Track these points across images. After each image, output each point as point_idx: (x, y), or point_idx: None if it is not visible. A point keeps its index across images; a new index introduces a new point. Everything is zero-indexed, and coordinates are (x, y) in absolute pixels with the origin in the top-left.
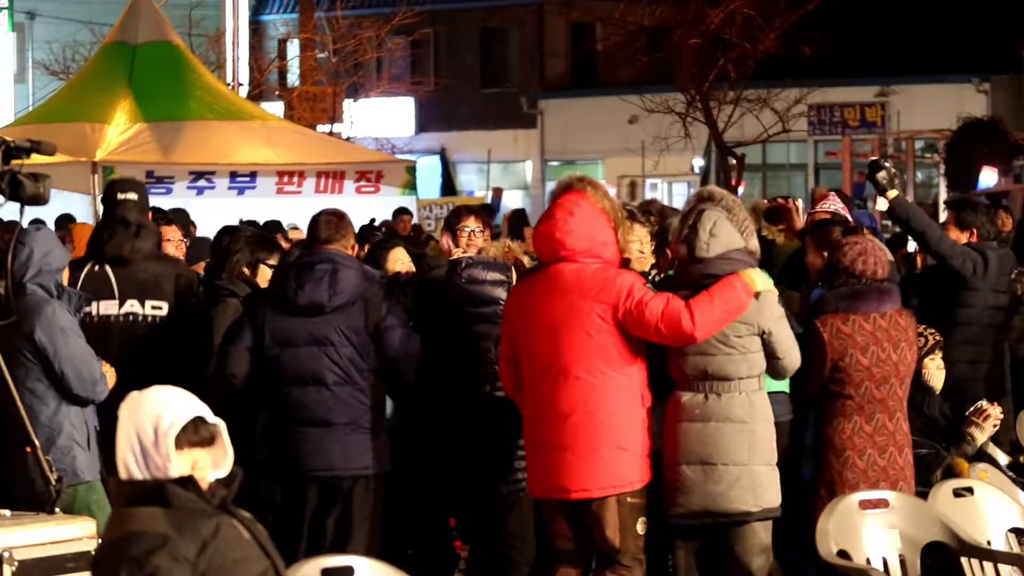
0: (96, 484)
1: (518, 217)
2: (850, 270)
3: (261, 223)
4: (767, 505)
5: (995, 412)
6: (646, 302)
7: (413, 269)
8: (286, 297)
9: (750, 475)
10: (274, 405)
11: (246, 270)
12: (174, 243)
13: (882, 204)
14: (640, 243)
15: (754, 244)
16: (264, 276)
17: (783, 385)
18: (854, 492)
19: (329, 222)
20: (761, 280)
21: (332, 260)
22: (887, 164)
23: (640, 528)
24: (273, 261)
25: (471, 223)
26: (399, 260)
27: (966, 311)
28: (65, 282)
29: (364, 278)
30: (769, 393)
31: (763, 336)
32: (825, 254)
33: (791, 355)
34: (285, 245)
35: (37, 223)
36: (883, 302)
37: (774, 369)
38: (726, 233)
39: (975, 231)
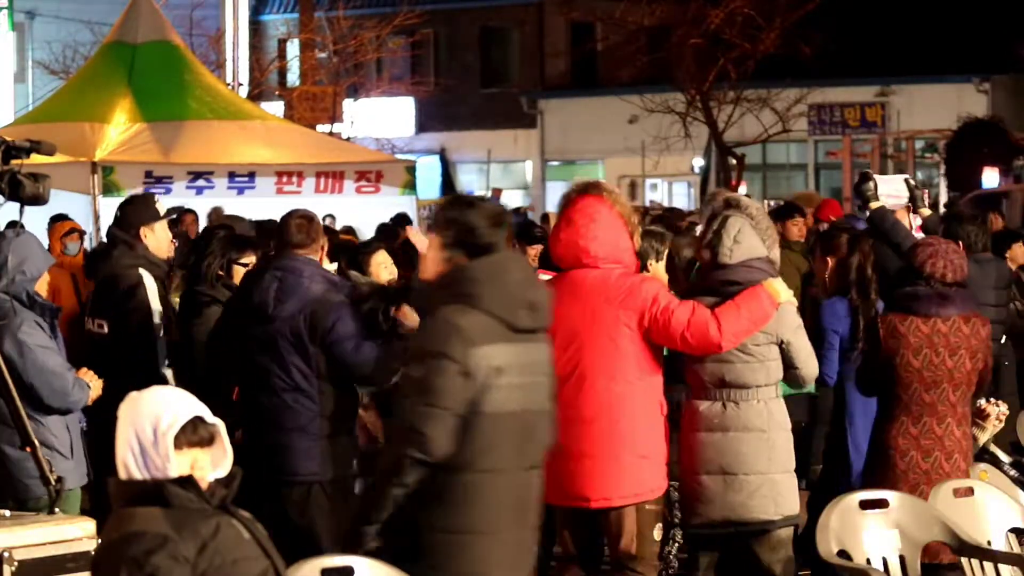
0: (74, 493)
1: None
2: (920, 271)
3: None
4: (788, 513)
5: (995, 412)
6: (672, 310)
7: (396, 274)
8: (242, 302)
9: (771, 484)
10: (243, 408)
11: (221, 272)
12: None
13: (925, 212)
14: None
15: (776, 254)
16: (240, 276)
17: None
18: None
19: (300, 226)
20: (784, 290)
21: (284, 268)
22: (891, 177)
23: (656, 534)
24: (246, 260)
25: None
26: (382, 264)
27: None
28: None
29: (315, 287)
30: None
31: (781, 345)
32: (828, 260)
33: (809, 365)
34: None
35: (14, 226)
36: (945, 306)
37: (792, 378)
38: (749, 241)
39: (960, 243)
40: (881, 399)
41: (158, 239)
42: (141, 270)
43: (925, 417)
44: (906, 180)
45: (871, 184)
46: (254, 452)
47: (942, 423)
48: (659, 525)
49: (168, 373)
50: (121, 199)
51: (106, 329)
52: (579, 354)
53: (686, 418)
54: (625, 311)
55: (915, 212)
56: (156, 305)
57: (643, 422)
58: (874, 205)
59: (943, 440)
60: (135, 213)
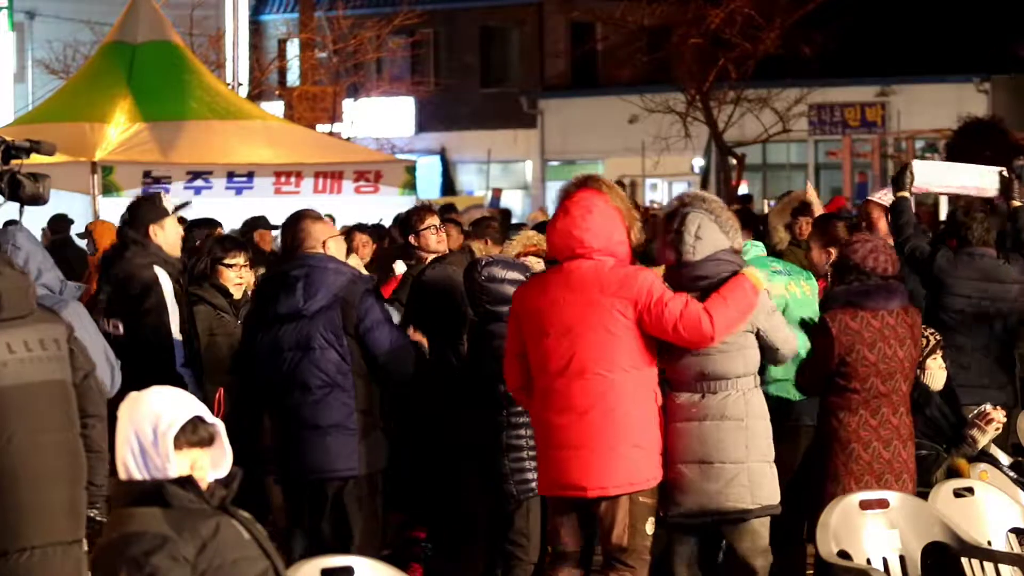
0: None
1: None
2: (860, 267)
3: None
4: (765, 502)
5: (998, 416)
6: (666, 302)
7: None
8: (267, 306)
9: (747, 473)
10: (272, 410)
11: (207, 272)
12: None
13: (887, 198)
14: None
15: (739, 243)
16: (225, 276)
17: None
18: (859, 484)
19: (300, 228)
20: (762, 277)
21: (306, 264)
22: (985, 169)
23: (649, 528)
24: (231, 260)
25: (434, 220)
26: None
27: (945, 316)
28: None
29: (341, 279)
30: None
31: (757, 333)
32: (830, 250)
33: (788, 344)
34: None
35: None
36: (891, 299)
37: (773, 359)
38: (711, 235)
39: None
40: (832, 396)
41: (168, 236)
42: (156, 268)
43: (882, 408)
44: (1000, 172)
45: (908, 176)
46: (288, 451)
47: (896, 412)
48: (651, 519)
49: (185, 372)
50: (120, 199)
51: (121, 329)
52: (574, 345)
53: (667, 410)
54: (620, 300)
55: (1008, 202)
56: (172, 304)
57: (638, 412)
58: (900, 195)
59: (899, 429)
60: (143, 212)
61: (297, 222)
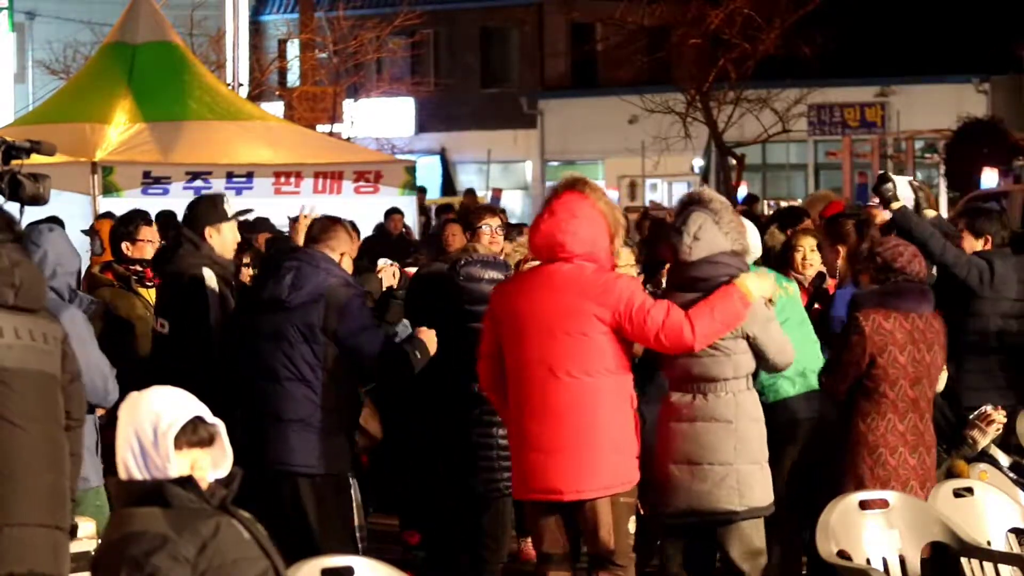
0: (101, 490)
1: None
2: (904, 270)
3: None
4: (754, 504)
5: (999, 417)
6: (647, 310)
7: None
8: (253, 292)
9: (736, 474)
10: (242, 399)
11: None
12: (155, 244)
13: (886, 214)
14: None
15: (742, 246)
16: (243, 276)
17: (814, 383)
18: (885, 489)
19: (324, 226)
20: (755, 287)
21: (299, 259)
22: (896, 179)
23: (631, 527)
24: (247, 260)
25: (493, 221)
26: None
27: (975, 320)
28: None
29: (330, 279)
30: (798, 395)
31: (749, 339)
32: (839, 248)
33: (783, 354)
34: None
35: (51, 222)
36: (922, 303)
37: (765, 367)
38: (709, 237)
39: (989, 239)
40: (862, 399)
41: (224, 240)
42: (204, 269)
43: (910, 413)
44: (910, 182)
45: (891, 185)
46: (250, 441)
47: (923, 419)
48: (633, 517)
49: None
50: (119, 199)
51: (167, 329)
52: (551, 347)
53: (662, 410)
54: (599, 306)
55: (886, 207)
56: (216, 305)
57: (615, 415)
58: (895, 206)
59: (924, 435)
60: (202, 212)
61: (332, 224)
